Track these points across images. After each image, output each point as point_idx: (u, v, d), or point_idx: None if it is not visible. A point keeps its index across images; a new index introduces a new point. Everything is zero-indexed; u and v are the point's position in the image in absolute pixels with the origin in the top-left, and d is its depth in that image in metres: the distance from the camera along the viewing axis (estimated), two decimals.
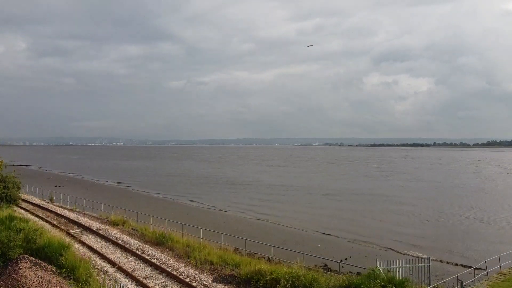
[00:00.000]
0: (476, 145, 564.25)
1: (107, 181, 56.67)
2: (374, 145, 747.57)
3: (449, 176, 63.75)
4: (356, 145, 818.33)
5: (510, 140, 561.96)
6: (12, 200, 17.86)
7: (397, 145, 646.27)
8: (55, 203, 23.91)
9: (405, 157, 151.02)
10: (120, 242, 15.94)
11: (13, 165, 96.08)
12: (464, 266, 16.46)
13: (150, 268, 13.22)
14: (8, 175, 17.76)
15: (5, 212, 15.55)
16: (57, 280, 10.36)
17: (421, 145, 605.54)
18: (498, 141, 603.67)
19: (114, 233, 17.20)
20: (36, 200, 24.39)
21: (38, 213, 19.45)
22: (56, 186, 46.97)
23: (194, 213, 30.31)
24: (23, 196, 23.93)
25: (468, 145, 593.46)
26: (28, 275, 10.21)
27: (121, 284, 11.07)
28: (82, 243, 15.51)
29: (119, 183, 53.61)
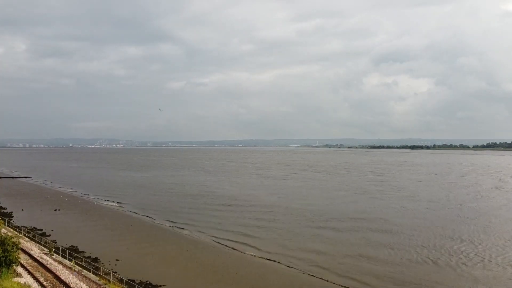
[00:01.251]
0: (475, 147, 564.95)
1: (106, 200, 56.90)
2: (374, 146, 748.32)
3: (445, 193, 63.94)
4: (356, 147, 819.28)
5: (510, 142, 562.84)
6: (11, 263, 18.12)
7: (397, 147, 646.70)
8: (54, 256, 23.98)
9: (403, 164, 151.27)
10: None
11: (13, 177, 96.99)
12: None
13: None
14: (7, 237, 17.95)
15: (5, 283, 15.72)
16: None
17: (421, 147, 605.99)
18: (497, 142, 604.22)
19: None
20: (35, 251, 24.47)
21: (37, 275, 19.60)
22: (56, 210, 47.20)
23: (194, 251, 30.46)
24: (22, 242, 24.03)
25: (468, 147, 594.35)
26: None
27: None
28: None
29: (119, 203, 53.83)
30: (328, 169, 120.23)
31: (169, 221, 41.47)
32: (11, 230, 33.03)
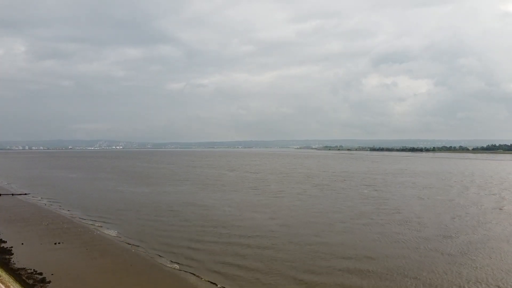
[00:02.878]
0: (475, 150, 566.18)
1: (106, 228, 56.63)
2: (373, 149, 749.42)
3: (441, 217, 63.69)
4: (356, 149, 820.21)
5: (509, 144, 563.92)
6: None
7: (397, 149, 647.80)
8: None
9: (402, 173, 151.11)
10: None
11: (12, 194, 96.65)
12: None
13: None
14: None
15: None
16: None
17: (421, 150, 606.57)
18: (497, 144, 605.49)
19: None
20: None
21: None
22: (55, 243, 46.89)
23: None
24: None
25: (467, 149, 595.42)
26: None
27: None
28: None
29: (118, 233, 53.55)
30: (325, 181, 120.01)
31: (171, 261, 41.07)
32: (11, 279, 32.82)
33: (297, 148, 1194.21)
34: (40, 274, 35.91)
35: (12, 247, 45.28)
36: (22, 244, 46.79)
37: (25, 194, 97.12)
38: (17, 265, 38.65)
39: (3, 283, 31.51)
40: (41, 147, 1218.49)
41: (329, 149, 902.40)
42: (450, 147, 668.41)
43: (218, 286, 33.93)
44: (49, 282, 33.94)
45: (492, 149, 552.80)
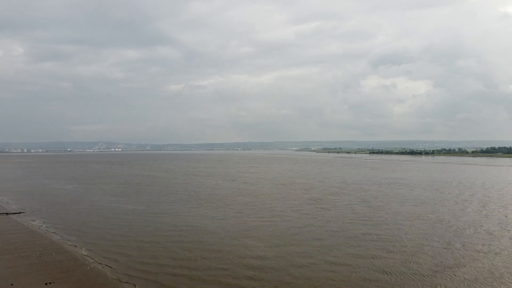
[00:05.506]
0: (474, 153, 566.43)
1: (99, 263, 55.12)
2: (373, 151, 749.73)
3: (437, 243, 62.25)
4: (355, 152, 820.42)
5: (509, 147, 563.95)
6: None
7: (396, 153, 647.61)
8: None
9: (399, 184, 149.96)
10: None
11: (7, 213, 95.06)
12: None
13: None
14: None
15: None
16: None
17: (420, 153, 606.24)
18: (496, 147, 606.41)
19: None
20: None
21: None
22: (46, 284, 45.25)
23: None
24: None
25: (467, 152, 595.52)
26: None
27: None
28: None
29: (112, 268, 52.05)
30: (320, 195, 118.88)
31: None
32: None
33: (296, 150, 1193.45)
34: None
35: None
36: (12, 285, 45.22)
37: (19, 212, 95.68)
38: None
39: None
40: (40, 150, 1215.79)
41: (328, 152, 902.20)
42: (449, 149, 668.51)
43: None
44: None
45: (491, 152, 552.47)
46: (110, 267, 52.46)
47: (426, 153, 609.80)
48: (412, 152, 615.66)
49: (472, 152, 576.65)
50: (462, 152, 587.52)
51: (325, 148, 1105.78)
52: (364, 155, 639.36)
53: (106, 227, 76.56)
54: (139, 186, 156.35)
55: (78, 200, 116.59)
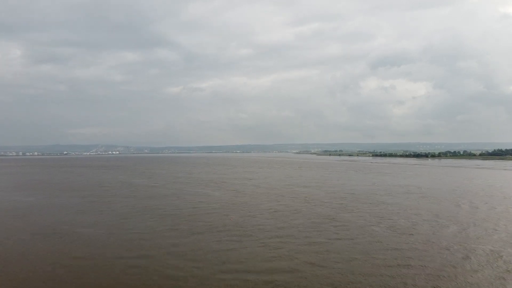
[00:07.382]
0: (483, 156, 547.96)
1: None
2: (375, 154, 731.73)
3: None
4: (357, 154, 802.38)
5: None
6: None
7: (400, 155, 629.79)
8: None
9: (409, 192, 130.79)
10: None
11: None
12: None
13: None
14: None
15: None
16: None
17: (426, 156, 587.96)
18: (504, 149, 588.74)
19: None
20: None
21: None
22: None
23: None
24: None
25: (474, 155, 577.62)
26: None
27: None
28: None
29: None
30: (321, 210, 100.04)
31: None
32: None
33: (296, 153, 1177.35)
34: None
35: None
36: None
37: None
38: None
39: None
40: (36, 153, 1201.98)
41: (329, 154, 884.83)
42: (455, 152, 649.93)
43: None
44: None
45: (499, 154, 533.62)
46: None
47: (432, 155, 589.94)
48: (417, 155, 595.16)
49: (480, 154, 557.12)
50: (469, 155, 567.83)
51: (326, 151, 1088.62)
52: (367, 158, 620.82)
53: (96, 270, 57.01)
54: (136, 203, 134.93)
55: (66, 221, 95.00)
